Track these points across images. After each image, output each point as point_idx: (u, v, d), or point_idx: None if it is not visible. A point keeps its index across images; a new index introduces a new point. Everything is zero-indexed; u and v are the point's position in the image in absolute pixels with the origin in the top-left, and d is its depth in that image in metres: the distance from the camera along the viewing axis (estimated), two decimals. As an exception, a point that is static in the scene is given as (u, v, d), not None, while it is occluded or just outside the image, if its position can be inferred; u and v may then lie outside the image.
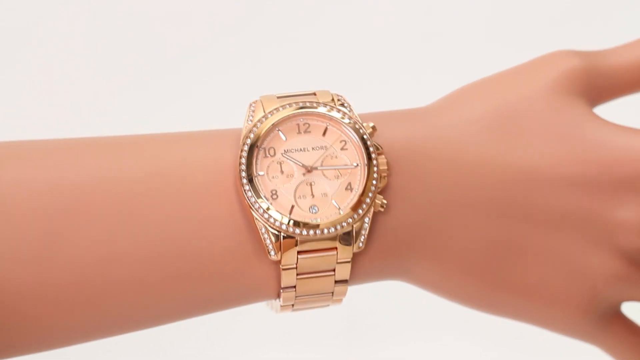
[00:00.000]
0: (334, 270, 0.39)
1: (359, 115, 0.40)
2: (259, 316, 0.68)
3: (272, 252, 0.38)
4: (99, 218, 0.37)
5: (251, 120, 0.39)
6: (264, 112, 0.39)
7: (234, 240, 0.38)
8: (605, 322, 0.41)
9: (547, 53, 0.42)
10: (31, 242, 0.36)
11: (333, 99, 0.40)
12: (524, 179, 0.39)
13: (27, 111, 0.77)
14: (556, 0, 0.80)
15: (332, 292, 0.39)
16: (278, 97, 0.40)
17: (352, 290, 0.41)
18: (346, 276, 0.39)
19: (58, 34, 0.78)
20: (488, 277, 0.40)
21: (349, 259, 0.39)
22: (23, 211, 0.36)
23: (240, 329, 0.70)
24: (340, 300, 0.41)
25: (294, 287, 0.39)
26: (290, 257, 0.38)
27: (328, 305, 0.41)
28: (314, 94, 0.40)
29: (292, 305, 0.40)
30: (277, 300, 0.40)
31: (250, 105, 0.40)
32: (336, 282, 0.39)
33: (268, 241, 0.38)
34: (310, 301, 0.40)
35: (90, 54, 0.78)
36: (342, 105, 0.40)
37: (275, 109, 0.39)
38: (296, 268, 0.38)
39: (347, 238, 0.38)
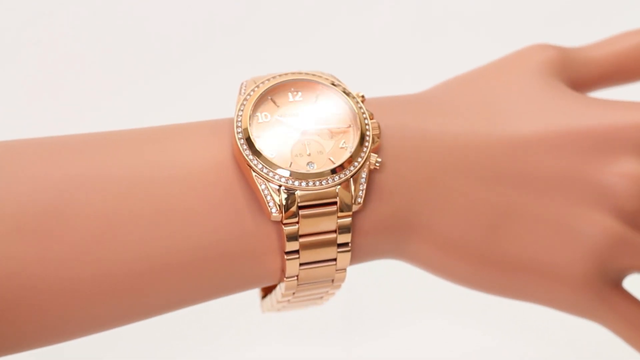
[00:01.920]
0: (335, 231, 0.39)
1: None
2: (257, 310, 0.68)
3: (274, 210, 0.38)
4: (96, 214, 0.37)
5: (243, 93, 0.40)
6: (255, 84, 0.40)
7: (235, 224, 0.38)
8: (605, 296, 0.41)
9: (524, 46, 0.45)
10: (28, 240, 0.36)
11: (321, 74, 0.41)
12: (514, 146, 0.40)
13: (26, 110, 0.77)
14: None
15: (335, 259, 0.40)
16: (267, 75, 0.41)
17: (348, 279, 0.41)
18: (347, 239, 0.39)
19: (57, 33, 0.78)
20: (484, 250, 0.41)
21: (349, 215, 0.39)
22: (22, 208, 0.36)
23: (238, 323, 0.70)
24: (340, 285, 0.41)
25: (297, 252, 0.39)
26: (291, 209, 0.38)
27: (328, 290, 0.41)
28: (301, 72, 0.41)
29: (296, 278, 0.40)
30: (280, 285, 0.40)
31: (242, 83, 0.41)
32: (338, 245, 0.39)
33: (269, 197, 0.38)
34: (313, 277, 0.40)
35: (90, 54, 0.78)
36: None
37: (266, 80, 0.40)
38: (298, 229, 0.38)
39: (346, 193, 0.39)
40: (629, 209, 0.40)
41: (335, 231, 0.39)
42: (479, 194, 0.40)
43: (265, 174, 0.38)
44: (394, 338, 0.69)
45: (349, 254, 0.40)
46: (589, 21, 0.80)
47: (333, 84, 0.41)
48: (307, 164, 0.39)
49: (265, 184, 0.38)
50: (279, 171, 0.38)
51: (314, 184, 0.38)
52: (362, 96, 0.41)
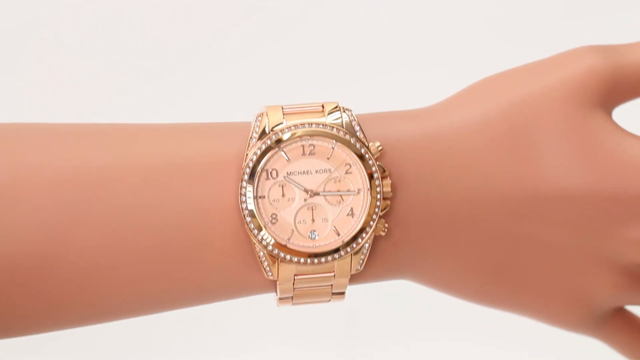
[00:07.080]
0: (331, 285, 0.39)
1: (362, 115, 0.40)
2: (257, 312, 0.69)
3: (270, 273, 0.38)
4: (105, 207, 0.37)
5: (255, 136, 0.38)
6: (269, 129, 0.38)
7: (232, 240, 0.38)
8: (607, 319, 0.42)
9: (566, 51, 0.40)
10: (45, 226, 0.36)
11: (341, 114, 0.39)
12: (533, 201, 0.38)
13: (26, 111, 0.77)
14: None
15: (330, 299, 0.40)
16: (285, 112, 0.38)
17: (352, 287, 0.41)
18: (343, 289, 0.39)
19: (61, 34, 0.78)
20: (491, 279, 0.41)
21: (347, 278, 0.39)
22: (40, 196, 0.36)
23: (238, 325, 0.70)
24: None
25: (291, 296, 0.39)
26: (287, 277, 0.38)
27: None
28: (322, 106, 0.39)
29: (291, 298, 0.40)
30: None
31: (257, 117, 0.39)
32: (333, 293, 0.39)
33: (266, 263, 0.38)
34: (309, 302, 0.40)
35: (93, 55, 0.78)
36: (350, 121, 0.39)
37: (280, 130, 0.38)
38: (293, 283, 0.38)
39: (345, 263, 0.38)
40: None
41: (331, 285, 0.39)
42: (489, 243, 0.39)
43: (265, 246, 0.37)
44: (394, 352, 0.69)
45: (343, 296, 0.40)
46: (589, 21, 0.79)
47: (350, 132, 0.38)
48: (310, 232, 0.38)
49: (263, 251, 0.38)
50: (277, 246, 0.37)
51: (312, 262, 0.38)
52: (380, 149, 0.38)
